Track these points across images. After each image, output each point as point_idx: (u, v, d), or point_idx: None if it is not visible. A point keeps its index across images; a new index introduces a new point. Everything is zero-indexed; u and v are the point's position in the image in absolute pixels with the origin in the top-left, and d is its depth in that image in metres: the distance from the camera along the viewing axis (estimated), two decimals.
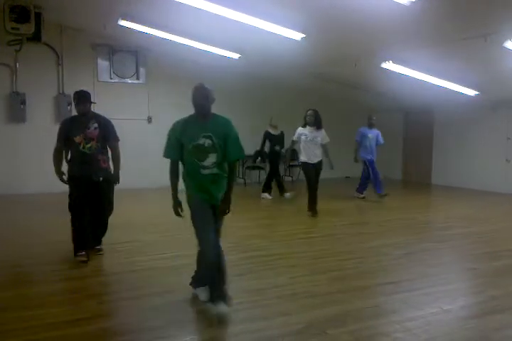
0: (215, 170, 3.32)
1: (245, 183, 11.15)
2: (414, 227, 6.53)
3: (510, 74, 7.51)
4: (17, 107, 9.07)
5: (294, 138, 7.26)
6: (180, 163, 3.40)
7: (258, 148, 9.37)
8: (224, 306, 3.13)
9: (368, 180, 8.89)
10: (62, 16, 8.66)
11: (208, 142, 3.26)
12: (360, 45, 7.23)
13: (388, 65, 7.67)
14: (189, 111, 3.44)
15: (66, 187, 4.68)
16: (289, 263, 4.64)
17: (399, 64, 7.67)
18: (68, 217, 4.64)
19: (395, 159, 12.50)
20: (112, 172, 4.81)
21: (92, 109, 4.78)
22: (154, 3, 6.80)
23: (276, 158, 9.07)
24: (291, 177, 11.76)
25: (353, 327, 3.10)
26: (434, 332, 3.06)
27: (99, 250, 4.86)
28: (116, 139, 4.82)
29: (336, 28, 6.48)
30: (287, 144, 8.23)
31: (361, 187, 9.04)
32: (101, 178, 4.64)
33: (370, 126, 8.85)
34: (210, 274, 3.25)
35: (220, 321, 3.10)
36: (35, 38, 8.32)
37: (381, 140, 8.88)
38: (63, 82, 9.48)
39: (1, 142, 9.03)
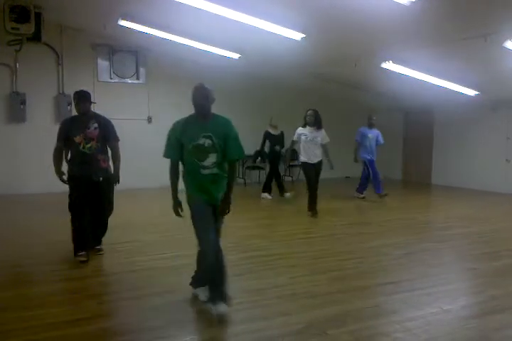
0: (215, 170, 3.31)
1: (245, 183, 11.15)
2: (414, 227, 6.53)
3: (510, 74, 7.51)
4: (17, 107, 9.07)
5: (294, 138, 7.26)
6: (180, 163, 3.39)
7: (258, 148, 9.37)
8: (224, 306, 3.14)
9: (368, 180, 8.89)
10: (62, 16, 8.66)
11: (208, 142, 3.26)
12: (361, 45, 7.23)
13: (388, 65, 7.67)
14: (189, 111, 3.44)
15: (66, 187, 4.68)
16: (289, 263, 4.64)
17: (399, 64, 7.67)
18: (68, 217, 4.64)
19: (395, 159, 12.50)
20: (112, 172, 4.81)
21: (92, 109, 4.78)
22: (154, 3, 6.80)
23: (276, 158, 9.10)
24: (291, 177, 11.76)
25: (353, 327, 3.10)
26: (434, 332, 3.06)
27: (99, 250, 4.87)
28: (117, 139, 4.82)
29: (336, 28, 6.48)
30: (287, 144, 8.22)
31: (361, 187, 9.04)
32: (101, 178, 4.64)
33: (370, 126, 8.85)
34: (210, 274, 3.26)
35: (220, 321, 3.10)
36: (35, 37, 8.32)
37: (381, 140, 8.88)
38: (63, 82, 9.48)
39: (1, 142, 9.03)
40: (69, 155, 4.71)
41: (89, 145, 4.57)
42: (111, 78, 9.98)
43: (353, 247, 5.33)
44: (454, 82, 8.38)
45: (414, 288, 3.91)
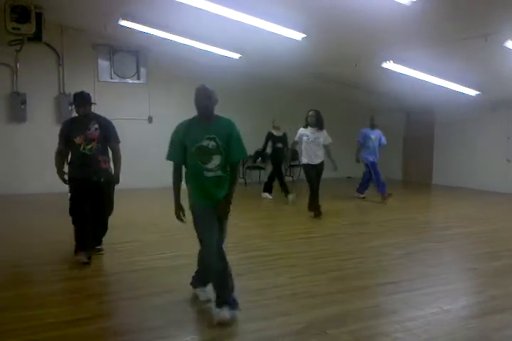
0: (219, 173, 3.25)
1: (245, 183, 11.15)
2: (414, 227, 6.53)
3: (510, 74, 7.51)
4: (17, 107, 9.08)
5: (296, 138, 7.25)
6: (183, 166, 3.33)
7: (258, 148, 9.36)
8: (227, 312, 3.12)
9: (370, 181, 8.87)
10: (62, 16, 8.67)
11: (212, 144, 3.20)
12: (361, 45, 7.23)
13: (389, 65, 7.67)
14: (189, 111, 3.43)
15: (66, 188, 4.68)
16: (289, 263, 4.64)
17: (399, 64, 7.67)
18: (68, 217, 4.64)
19: (396, 159, 12.50)
20: (113, 173, 4.80)
21: (93, 110, 4.78)
22: (155, 3, 6.81)
23: (279, 156, 8.95)
24: (292, 177, 11.76)
25: (353, 327, 3.10)
26: (434, 332, 3.06)
27: (100, 250, 4.86)
28: (117, 140, 4.81)
29: (337, 27, 6.48)
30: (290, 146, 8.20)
31: (361, 187, 9.04)
32: (102, 179, 4.64)
33: (373, 127, 8.81)
34: (214, 279, 3.23)
35: (220, 324, 3.09)
36: (36, 38, 8.33)
37: (384, 141, 8.85)
38: (64, 82, 9.49)
39: (1, 142, 9.05)
40: (69, 156, 4.70)
41: (89, 147, 4.56)
42: (111, 78, 9.99)
43: (353, 247, 5.33)
44: (455, 82, 8.39)
45: (414, 288, 3.90)
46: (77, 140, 4.53)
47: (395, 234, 6.10)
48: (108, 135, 4.69)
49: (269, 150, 9.10)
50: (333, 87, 10.65)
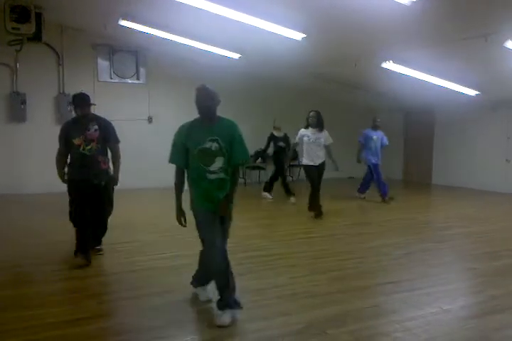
0: (222, 175, 3.21)
1: (245, 183, 11.15)
2: (414, 227, 6.53)
3: (510, 74, 7.51)
4: (17, 107, 9.08)
5: (296, 139, 7.24)
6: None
7: (258, 148, 9.35)
8: (227, 317, 3.11)
9: (371, 181, 8.84)
10: (62, 16, 8.67)
11: (214, 145, 3.16)
12: (361, 45, 7.23)
13: (389, 65, 7.66)
14: (189, 111, 3.42)
15: (66, 188, 4.67)
16: (289, 263, 4.64)
17: (399, 64, 7.67)
18: (68, 217, 4.64)
19: (396, 159, 12.49)
20: (112, 173, 4.80)
21: (93, 110, 4.78)
22: (154, 3, 6.81)
23: (281, 156, 8.91)
24: (292, 177, 11.76)
25: (353, 327, 3.10)
26: (434, 332, 3.06)
27: (99, 250, 4.86)
28: (117, 141, 4.81)
29: (337, 27, 6.48)
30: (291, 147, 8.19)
31: (362, 188, 9.03)
32: (103, 182, 4.63)
33: (375, 127, 8.77)
34: (217, 281, 3.22)
35: (219, 326, 3.09)
36: (36, 37, 8.34)
37: (386, 142, 8.81)
38: (64, 82, 9.49)
39: (1, 142, 9.04)
40: (69, 158, 4.70)
41: (89, 147, 4.56)
42: (111, 78, 9.99)
43: (353, 247, 5.33)
44: (455, 82, 8.39)
45: (414, 287, 3.90)
46: (77, 141, 4.53)
47: (395, 234, 6.10)
48: (108, 136, 4.69)
49: (270, 151, 9.09)
50: (333, 87, 10.65)
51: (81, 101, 4.59)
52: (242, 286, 3.61)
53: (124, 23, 7.76)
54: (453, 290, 3.94)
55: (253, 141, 8.87)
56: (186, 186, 3.30)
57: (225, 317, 3.11)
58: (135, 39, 9.36)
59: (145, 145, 9.77)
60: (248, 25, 6.42)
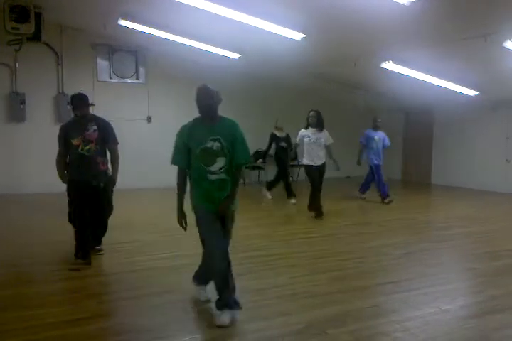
0: (223, 176, 3.19)
1: (245, 183, 11.14)
2: (414, 227, 6.53)
3: (510, 74, 7.52)
4: (17, 107, 9.07)
5: (297, 140, 7.23)
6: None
7: (258, 147, 9.33)
8: (227, 317, 3.10)
9: (372, 182, 8.83)
10: (62, 16, 8.67)
11: (216, 145, 3.15)
12: (360, 45, 7.23)
13: (388, 65, 7.67)
14: (189, 110, 3.41)
15: (65, 188, 4.67)
16: (289, 263, 4.64)
17: (399, 64, 7.67)
18: (67, 217, 4.64)
19: (395, 159, 12.49)
20: (111, 174, 4.79)
21: (92, 110, 4.77)
22: (154, 3, 6.80)
23: (283, 155, 8.88)
24: (291, 177, 11.73)
25: (353, 327, 3.10)
26: (433, 332, 3.06)
27: (99, 250, 4.86)
28: (116, 142, 4.79)
29: (336, 28, 6.48)
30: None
31: (363, 188, 9.02)
32: (101, 184, 4.63)
33: (376, 128, 8.74)
34: (217, 282, 3.21)
35: (219, 326, 3.09)
36: (35, 37, 8.34)
37: (387, 142, 8.78)
38: (63, 82, 9.48)
39: (0, 142, 9.03)
40: (68, 158, 4.69)
41: (87, 148, 4.55)
42: (110, 78, 9.98)
43: (353, 247, 5.33)
44: (454, 82, 8.39)
45: (414, 287, 3.90)
46: (75, 141, 4.52)
47: (395, 234, 6.10)
48: (106, 136, 4.68)
49: (272, 151, 9.07)
50: (333, 87, 10.66)
51: (79, 101, 4.58)
52: (242, 286, 3.61)
53: (123, 22, 7.76)
54: (452, 290, 3.94)
55: (253, 141, 8.84)
56: (188, 188, 3.29)
57: (225, 317, 3.11)
58: (135, 39, 9.35)
59: (144, 146, 9.77)
60: (248, 25, 6.42)
